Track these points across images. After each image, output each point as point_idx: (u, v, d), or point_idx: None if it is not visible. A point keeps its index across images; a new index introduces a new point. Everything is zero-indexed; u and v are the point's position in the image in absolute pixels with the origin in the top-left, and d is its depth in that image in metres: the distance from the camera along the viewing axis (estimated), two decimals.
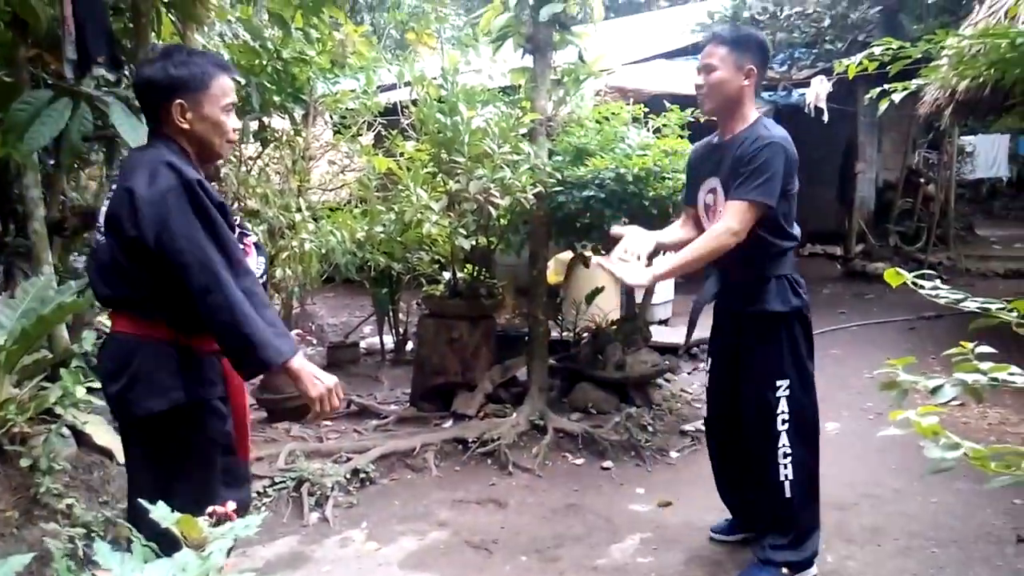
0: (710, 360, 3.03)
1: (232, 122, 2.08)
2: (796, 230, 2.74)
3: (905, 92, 3.32)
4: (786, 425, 2.70)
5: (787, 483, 2.70)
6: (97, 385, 3.24)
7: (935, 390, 1.55)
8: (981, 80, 3.99)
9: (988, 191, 15.15)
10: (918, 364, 1.65)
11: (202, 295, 1.87)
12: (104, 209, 2.01)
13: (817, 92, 8.13)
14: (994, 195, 15.15)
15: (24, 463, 2.93)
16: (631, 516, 3.45)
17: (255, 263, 2.08)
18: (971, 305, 1.60)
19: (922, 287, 1.66)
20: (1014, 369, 1.45)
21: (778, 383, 2.70)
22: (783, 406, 2.70)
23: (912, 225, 10.38)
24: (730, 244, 2.56)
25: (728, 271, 2.82)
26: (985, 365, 1.46)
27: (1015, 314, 1.51)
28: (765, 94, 8.65)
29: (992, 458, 1.36)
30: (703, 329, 3.12)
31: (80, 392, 3.01)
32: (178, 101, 1.98)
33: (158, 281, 1.92)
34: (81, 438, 3.25)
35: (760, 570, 2.76)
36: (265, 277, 2.13)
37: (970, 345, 1.50)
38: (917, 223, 10.39)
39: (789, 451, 2.70)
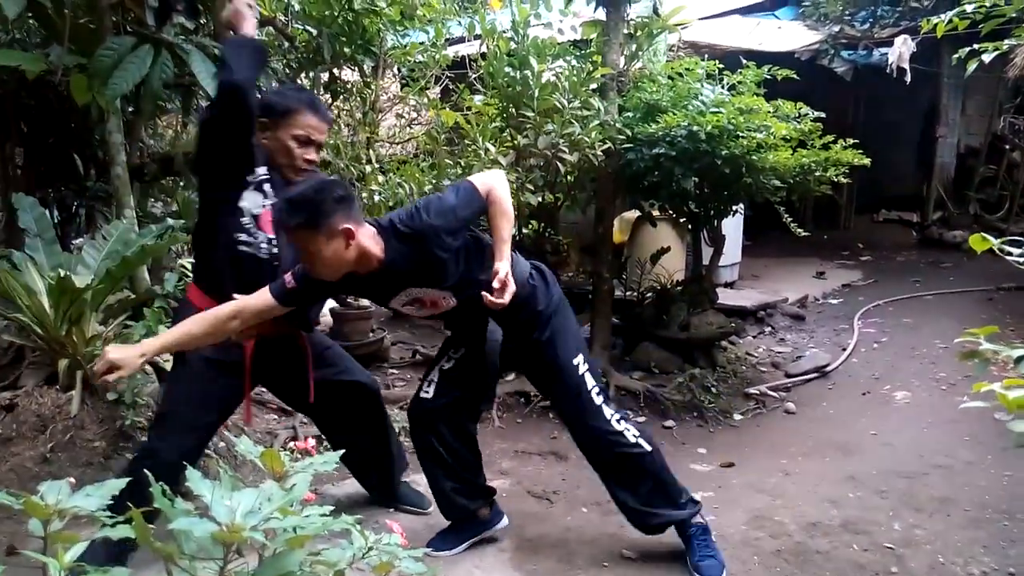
0: None
1: (304, 152, 2.45)
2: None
3: (996, 52, 3.17)
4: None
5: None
6: None
7: (1019, 360, 1.51)
8: None
9: None
10: (997, 335, 1.59)
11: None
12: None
13: (900, 52, 7.78)
14: None
15: (110, 397, 3.09)
16: (692, 475, 3.44)
17: None
18: None
19: (1010, 254, 1.60)
20: None
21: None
22: None
23: (994, 193, 9.90)
24: None
25: None
26: None
27: None
28: (844, 53, 8.31)
29: None
30: (770, 294, 3.06)
31: (162, 331, 3.12)
32: (260, 120, 2.42)
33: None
34: (162, 375, 3.39)
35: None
36: None
37: None
38: (1000, 191, 9.91)
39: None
